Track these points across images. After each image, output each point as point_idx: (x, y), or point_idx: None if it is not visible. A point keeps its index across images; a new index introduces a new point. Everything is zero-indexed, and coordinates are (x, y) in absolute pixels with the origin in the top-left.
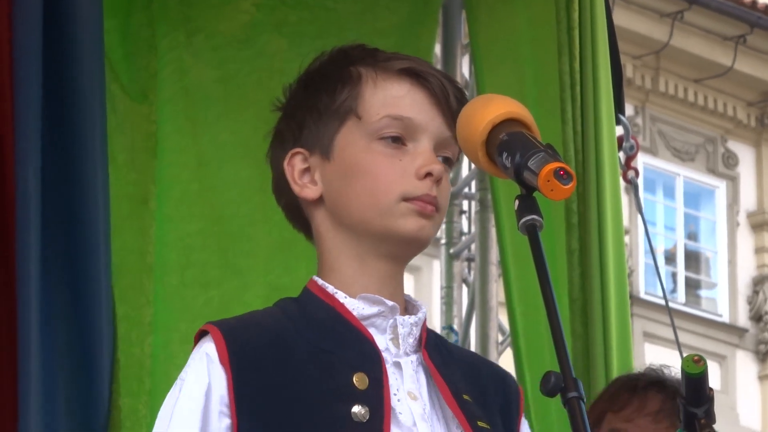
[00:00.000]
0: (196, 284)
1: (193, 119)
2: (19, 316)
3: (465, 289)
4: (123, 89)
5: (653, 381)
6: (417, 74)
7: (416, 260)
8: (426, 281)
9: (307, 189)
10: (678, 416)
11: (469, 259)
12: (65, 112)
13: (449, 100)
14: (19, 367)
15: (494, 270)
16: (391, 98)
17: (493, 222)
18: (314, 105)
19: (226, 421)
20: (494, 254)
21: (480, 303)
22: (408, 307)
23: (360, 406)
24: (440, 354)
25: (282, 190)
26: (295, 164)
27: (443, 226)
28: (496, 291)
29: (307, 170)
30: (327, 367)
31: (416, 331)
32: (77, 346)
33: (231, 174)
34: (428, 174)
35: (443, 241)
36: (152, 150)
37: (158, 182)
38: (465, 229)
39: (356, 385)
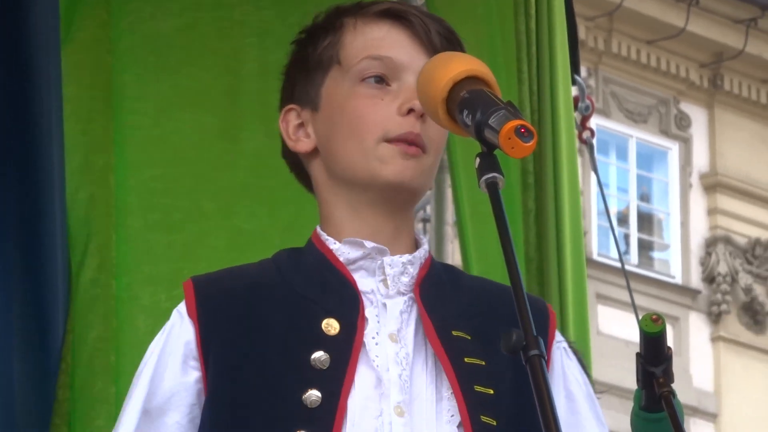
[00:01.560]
0: (159, 227)
1: (153, 67)
2: None
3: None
4: (72, 38)
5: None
6: (396, 15)
7: None
8: None
9: (300, 142)
10: (637, 375)
11: (425, 220)
12: (18, 60)
13: (431, 38)
14: None
15: (450, 230)
16: (370, 40)
17: (448, 182)
18: (302, 60)
19: (196, 374)
20: (450, 215)
21: None
22: (407, 247)
23: (322, 353)
24: (439, 288)
25: (286, 149)
26: (289, 120)
27: None
28: (452, 251)
29: (301, 125)
30: (299, 314)
31: (412, 270)
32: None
33: (192, 120)
34: (411, 110)
35: None
36: (108, 99)
37: (117, 129)
38: None
39: (325, 330)
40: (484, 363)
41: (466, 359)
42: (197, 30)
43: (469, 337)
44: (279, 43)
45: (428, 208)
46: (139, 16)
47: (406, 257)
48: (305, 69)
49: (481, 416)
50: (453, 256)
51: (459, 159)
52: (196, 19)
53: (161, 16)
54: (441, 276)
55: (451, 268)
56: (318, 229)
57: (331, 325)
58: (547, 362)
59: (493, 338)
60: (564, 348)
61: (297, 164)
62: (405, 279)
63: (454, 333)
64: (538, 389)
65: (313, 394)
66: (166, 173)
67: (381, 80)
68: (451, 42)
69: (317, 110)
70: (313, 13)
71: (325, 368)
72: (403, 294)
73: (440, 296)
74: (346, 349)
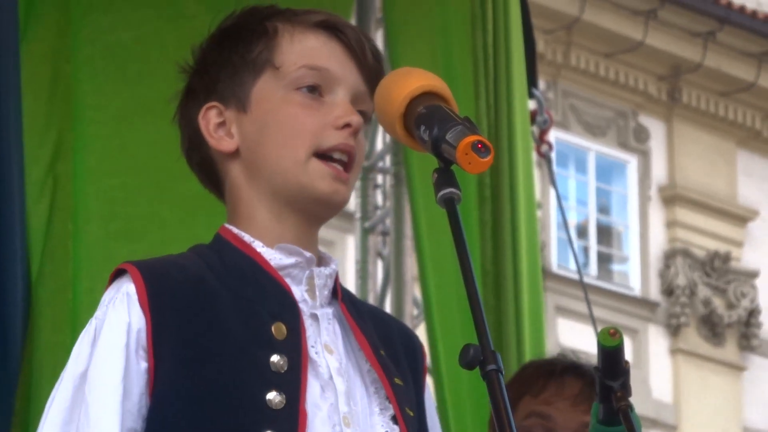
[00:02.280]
0: (120, 236)
1: (113, 78)
2: None
3: (380, 263)
4: (30, 48)
5: (569, 366)
6: (334, 27)
7: (330, 234)
8: (340, 255)
9: (224, 141)
10: (595, 389)
11: (384, 233)
12: None
13: (366, 54)
14: None
15: (409, 244)
16: (308, 49)
17: (406, 197)
18: (228, 59)
19: (144, 364)
20: (409, 228)
21: (395, 277)
22: (321, 260)
23: (278, 356)
24: (355, 307)
25: (195, 146)
26: (210, 118)
27: (358, 200)
28: (411, 265)
29: (222, 124)
30: (248, 316)
31: (330, 283)
32: None
33: (152, 130)
34: (347, 125)
35: (358, 215)
36: (67, 109)
37: (77, 138)
38: (380, 203)
39: (274, 334)
40: (402, 384)
41: (396, 379)
42: (157, 40)
43: (387, 354)
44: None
45: (387, 221)
46: (99, 26)
47: (328, 270)
48: (233, 68)
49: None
50: (412, 269)
51: (416, 173)
52: (156, 29)
53: (121, 27)
54: (349, 295)
55: (345, 288)
56: (232, 228)
57: (279, 330)
58: (423, 388)
59: (399, 361)
60: (430, 386)
61: (207, 164)
62: (326, 292)
63: (381, 352)
64: (496, 402)
65: (277, 396)
66: (126, 182)
67: (314, 90)
68: (379, 62)
69: (245, 111)
70: None
71: (283, 371)
72: (323, 306)
73: (359, 314)
74: (297, 354)
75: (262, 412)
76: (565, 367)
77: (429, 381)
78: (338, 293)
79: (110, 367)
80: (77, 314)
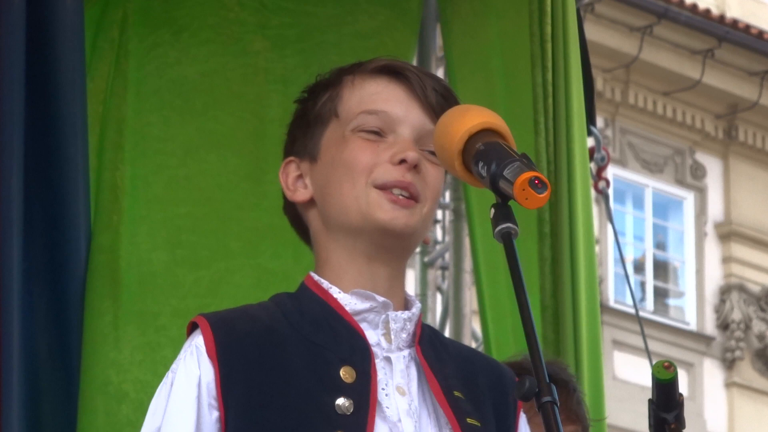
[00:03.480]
0: (186, 263)
1: (179, 110)
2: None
3: (439, 296)
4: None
5: (552, 378)
6: (393, 70)
7: None
8: None
9: (298, 192)
10: (649, 421)
11: (443, 268)
12: (48, 103)
13: (427, 93)
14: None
15: (467, 278)
16: (367, 96)
17: (466, 231)
18: (303, 115)
19: (215, 414)
20: (467, 262)
21: (454, 310)
22: (406, 303)
23: (345, 399)
24: (434, 349)
25: (287, 203)
26: (288, 172)
27: None
28: (470, 298)
29: (300, 176)
30: (316, 360)
31: (410, 327)
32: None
33: (218, 161)
34: (402, 161)
35: (418, 249)
36: (120, 141)
37: (135, 167)
38: (439, 238)
39: (343, 378)
40: (479, 425)
41: (468, 419)
42: (223, 75)
43: (465, 398)
44: (294, 84)
45: (447, 256)
46: (165, 61)
47: (407, 314)
48: (305, 123)
49: None
50: (471, 303)
51: (475, 209)
52: (221, 64)
53: (187, 62)
54: (431, 336)
55: (432, 329)
56: (314, 275)
57: (348, 373)
58: (516, 425)
59: (480, 401)
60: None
61: (296, 217)
62: (404, 335)
63: (455, 393)
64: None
65: None
66: (192, 211)
67: (376, 133)
68: (447, 99)
69: (315, 161)
70: (335, 62)
71: (349, 413)
72: (401, 349)
73: (437, 356)
74: (365, 397)
75: None
76: (522, 367)
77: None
78: (416, 336)
79: (183, 420)
80: (134, 348)
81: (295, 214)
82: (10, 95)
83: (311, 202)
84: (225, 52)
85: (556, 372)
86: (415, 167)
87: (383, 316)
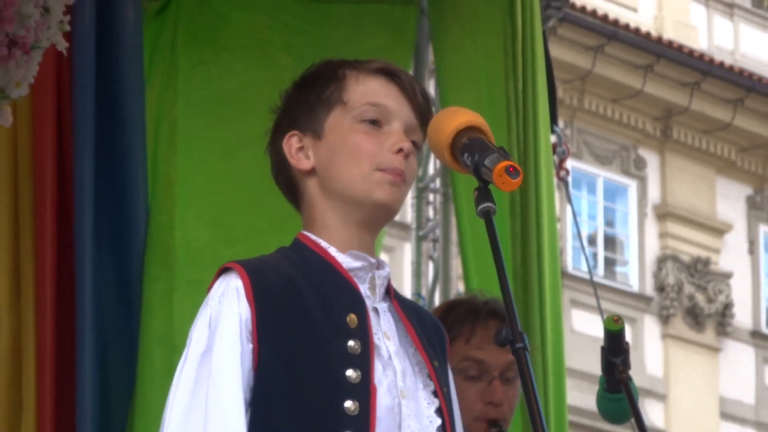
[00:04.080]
0: (225, 240)
1: (219, 116)
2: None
3: (431, 264)
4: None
5: (491, 310)
6: (390, 72)
7: (391, 242)
8: (399, 258)
9: (302, 161)
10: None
11: (434, 240)
12: (112, 114)
13: (416, 94)
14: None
15: (454, 249)
16: (370, 90)
17: (453, 211)
18: (306, 99)
19: (250, 346)
20: (454, 236)
21: (443, 275)
22: (379, 265)
23: (354, 341)
24: (402, 303)
25: (281, 169)
26: (291, 143)
27: (413, 214)
28: (456, 265)
29: (301, 148)
30: (326, 308)
31: (385, 283)
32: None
33: (250, 157)
34: (399, 150)
35: (413, 226)
36: (172, 140)
37: (184, 160)
38: (431, 216)
39: (349, 323)
40: (439, 365)
41: (435, 362)
42: (255, 86)
43: (428, 343)
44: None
45: (437, 231)
46: (208, 75)
47: (385, 272)
48: (309, 105)
49: (450, 408)
50: (457, 269)
51: (461, 192)
52: (254, 77)
53: (226, 76)
54: (396, 292)
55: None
56: (309, 234)
57: (352, 320)
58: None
59: (434, 346)
60: None
61: (290, 183)
62: (382, 290)
63: (423, 341)
64: (522, 374)
65: (353, 373)
66: (230, 198)
67: (375, 122)
68: (426, 101)
69: (319, 138)
70: None
71: (357, 353)
72: (382, 302)
73: (405, 309)
74: (366, 339)
75: (342, 386)
76: (487, 312)
77: None
78: (391, 291)
79: (230, 349)
80: (185, 316)
81: (287, 179)
82: (83, 101)
83: (311, 172)
84: (257, 67)
85: (488, 303)
86: (407, 156)
87: (370, 273)
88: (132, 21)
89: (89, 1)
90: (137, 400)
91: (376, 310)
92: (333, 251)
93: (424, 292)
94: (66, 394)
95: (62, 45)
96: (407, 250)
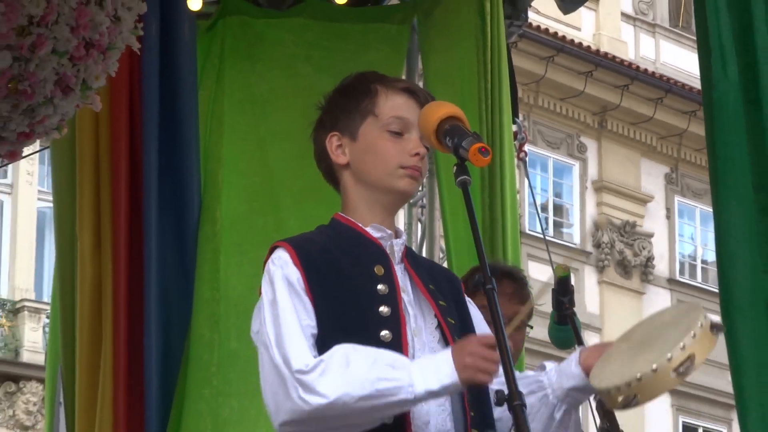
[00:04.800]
0: (258, 212)
1: (255, 114)
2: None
3: (419, 225)
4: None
5: (506, 272)
6: (411, 91)
7: None
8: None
9: (341, 157)
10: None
11: (422, 207)
12: (173, 110)
13: None
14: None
15: (437, 213)
16: (396, 105)
17: (436, 183)
18: (345, 106)
19: (307, 299)
20: (437, 203)
21: (428, 234)
22: (397, 234)
23: (383, 285)
24: (414, 263)
25: (322, 158)
26: (333, 142)
27: None
28: (438, 227)
29: (339, 146)
30: (357, 264)
31: (402, 249)
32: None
33: (279, 147)
34: (416, 153)
35: None
36: (220, 132)
37: (228, 148)
38: (420, 187)
39: (377, 272)
40: (445, 304)
41: (440, 302)
42: (283, 91)
43: (436, 290)
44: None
45: (424, 199)
46: (247, 81)
47: (401, 241)
48: (347, 112)
49: (455, 338)
50: (439, 230)
51: (442, 168)
52: (282, 84)
53: (261, 81)
54: (411, 255)
55: (410, 249)
56: (343, 214)
57: (379, 270)
58: (467, 314)
59: (443, 291)
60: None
61: (329, 170)
62: (399, 255)
63: (431, 287)
64: (492, 310)
65: (385, 309)
66: (262, 179)
67: (399, 133)
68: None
69: (355, 140)
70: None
71: (386, 294)
72: (398, 263)
73: (416, 266)
74: (393, 283)
75: (377, 319)
76: (503, 273)
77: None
78: (404, 255)
79: (289, 298)
80: (229, 260)
81: (327, 167)
82: (149, 98)
83: (347, 165)
84: (284, 75)
85: (504, 267)
86: (423, 159)
87: (389, 242)
88: (188, 35)
89: (154, 18)
90: (192, 334)
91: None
92: (361, 226)
93: (414, 247)
94: (136, 327)
95: (135, 46)
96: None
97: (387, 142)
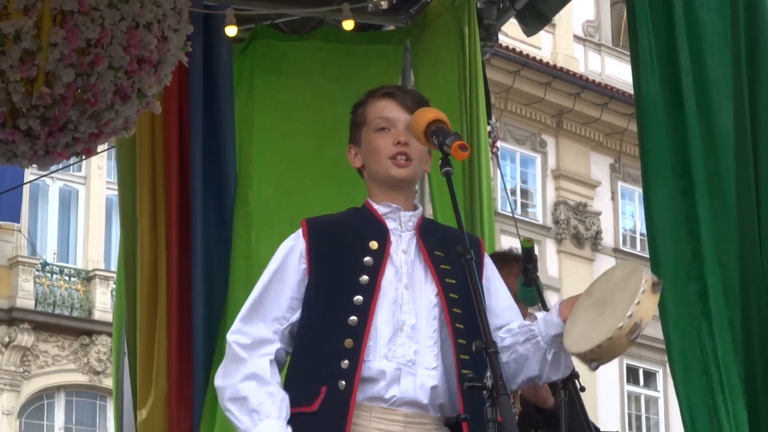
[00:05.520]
0: (284, 194)
1: (280, 115)
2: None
3: None
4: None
5: (515, 257)
6: (389, 94)
7: None
8: None
9: (356, 162)
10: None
11: (415, 192)
12: (214, 114)
13: (407, 103)
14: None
15: (427, 197)
16: (378, 108)
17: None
18: (352, 122)
19: (303, 265)
20: (427, 188)
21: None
22: (415, 208)
23: (370, 257)
24: (428, 231)
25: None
26: (351, 152)
27: None
28: (428, 209)
29: (356, 154)
30: (357, 237)
31: (414, 220)
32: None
33: (300, 142)
34: (399, 142)
35: None
36: (251, 131)
37: (258, 143)
38: None
39: (370, 246)
40: (449, 267)
41: (441, 266)
42: (302, 97)
43: (443, 255)
44: (338, 100)
45: (417, 186)
46: (273, 89)
47: (410, 213)
48: (353, 127)
49: (450, 294)
50: (428, 212)
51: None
52: (301, 92)
53: (284, 89)
54: (428, 224)
55: (433, 221)
56: (368, 199)
57: (373, 244)
58: (482, 268)
59: (450, 256)
60: (490, 263)
61: (359, 174)
62: (410, 224)
63: (436, 252)
64: (470, 277)
65: (365, 278)
66: (287, 167)
67: (384, 129)
68: (418, 101)
69: (360, 146)
70: (361, 89)
71: (371, 266)
72: (409, 231)
73: (427, 234)
74: (380, 256)
75: (356, 286)
76: (513, 258)
77: (490, 262)
78: (418, 225)
79: (291, 264)
80: (260, 234)
81: (358, 173)
82: (195, 105)
83: (362, 168)
84: (303, 84)
85: (515, 254)
86: (405, 144)
87: (397, 214)
88: (226, 55)
89: (199, 42)
90: (230, 294)
91: (400, 236)
92: (374, 205)
93: None
94: (185, 291)
95: (184, 60)
96: None
97: (378, 139)
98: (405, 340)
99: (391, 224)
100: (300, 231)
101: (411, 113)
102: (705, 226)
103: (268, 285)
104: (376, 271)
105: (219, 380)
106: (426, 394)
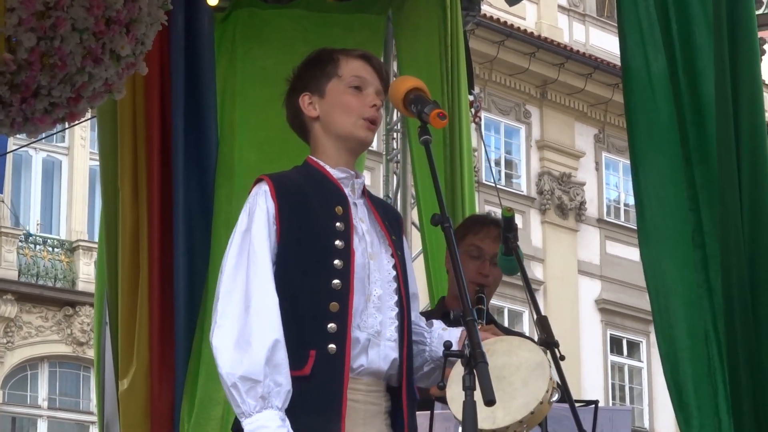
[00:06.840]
0: (265, 161)
1: (261, 83)
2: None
3: (395, 177)
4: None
5: (492, 220)
6: (366, 57)
7: (371, 163)
8: (376, 174)
9: (312, 111)
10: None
11: (397, 162)
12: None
13: (381, 71)
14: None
15: (409, 167)
16: (355, 67)
17: (408, 143)
18: (314, 72)
19: (275, 227)
20: (408, 158)
21: (402, 184)
22: (357, 175)
23: (340, 223)
24: (375, 202)
25: (295, 115)
26: (305, 100)
27: (384, 145)
28: (409, 178)
29: (311, 103)
30: (323, 202)
31: (361, 187)
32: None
33: (280, 109)
34: (374, 105)
35: (384, 153)
36: (233, 99)
37: (240, 111)
38: (395, 146)
39: (337, 212)
40: (396, 239)
41: (392, 236)
42: (283, 65)
43: (390, 226)
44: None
45: (398, 156)
46: (255, 56)
47: (361, 180)
48: (315, 77)
49: (401, 267)
50: (410, 181)
51: (412, 131)
52: (282, 59)
53: (266, 57)
54: (369, 194)
55: (367, 189)
56: (313, 158)
57: (339, 210)
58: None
59: (392, 227)
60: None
61: (301, 124)
62: (359, 191)
63: (385, 223)
64: (449, 244)
65: (339, 243)
66: (268, 134)
67: (358, 88)
68: (387, 75)
69: (323, 97)
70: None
71: (342, 231)
72: (360, 199)
73: (376, 204)
74: (348, 222)
75: (332, 250)
76: (490, 221)
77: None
78: (364, 192)
79: (262, 227)
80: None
81: (300, 123)
82: (177, 73)
83: (317, 118)
84: (284, 52)
85: (492, 218)
86: (378, 110)
87: (351, 181)
88: (207, 24)
89: (180, 10)
90: (211, 262)
91: (355, 204)
92: (328, 168)
93: (390, 194)
94: (167, 259)
95: (163, 19)
96: (381, 169)
97: (350, 96)
98: (373, 310)
99: (345, 190)
100: (265, 188)
101: (383, 83)
102: (702, 194)
103: (247, 247)
104: (347, 237)
105: (232, 352)
106: (387, 364)
